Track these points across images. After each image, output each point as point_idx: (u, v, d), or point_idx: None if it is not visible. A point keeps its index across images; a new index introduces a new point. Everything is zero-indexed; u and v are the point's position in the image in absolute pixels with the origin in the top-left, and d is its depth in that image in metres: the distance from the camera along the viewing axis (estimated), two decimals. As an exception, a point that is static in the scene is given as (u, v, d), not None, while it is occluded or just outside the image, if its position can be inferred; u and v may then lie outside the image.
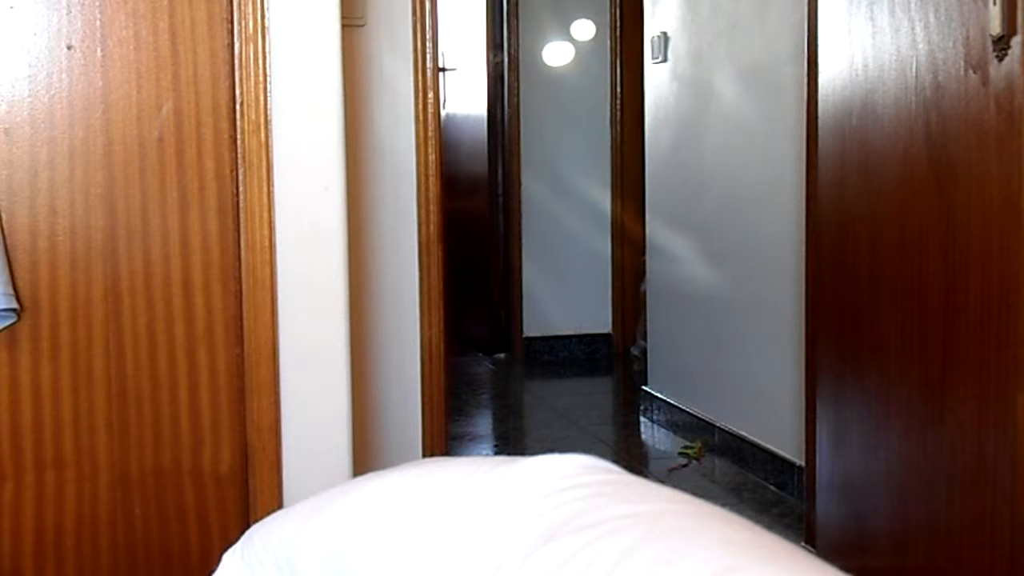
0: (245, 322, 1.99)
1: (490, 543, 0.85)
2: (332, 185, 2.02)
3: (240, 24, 1.95)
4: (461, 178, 6.01)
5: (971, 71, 2.20)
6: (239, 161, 1.97)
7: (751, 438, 3.74)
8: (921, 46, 2.36)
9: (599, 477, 0.92)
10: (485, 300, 6.00)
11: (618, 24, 5.75)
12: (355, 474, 1.99)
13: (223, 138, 1.98)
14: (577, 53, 5.82)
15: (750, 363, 3.78)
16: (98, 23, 1.92)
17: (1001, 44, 2.11)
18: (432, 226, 2.86)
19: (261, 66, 1.96)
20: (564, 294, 5.85)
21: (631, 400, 4.82)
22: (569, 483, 0.89)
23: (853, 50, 2.61)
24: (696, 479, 3.76)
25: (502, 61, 5.80)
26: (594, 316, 5.87)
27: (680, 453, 4.01)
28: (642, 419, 4.55)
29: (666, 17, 4.28)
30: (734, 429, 3.85)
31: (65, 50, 1.91)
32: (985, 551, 2.22)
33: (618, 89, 5.77)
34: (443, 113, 6.05)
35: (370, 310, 2.86)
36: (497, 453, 4.22)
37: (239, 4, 1.95)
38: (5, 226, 1.89)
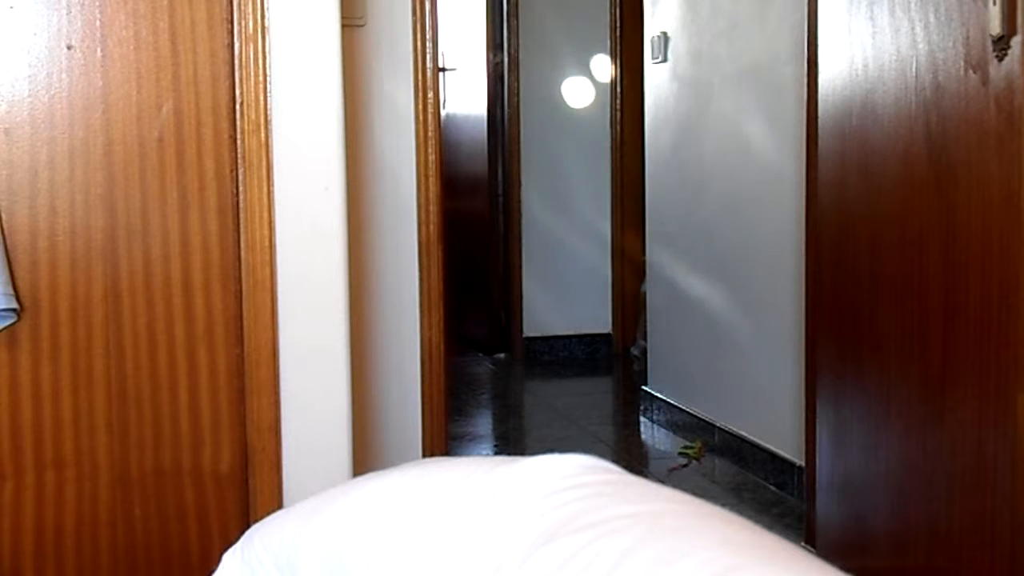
0: (245, 322, 1.99)
1: (490, 543, 0.85)
2: (332, 185, 2.02)
3: (240, 24, 1.95)
4: (461, 178, 6.01)
5: (971, 71, 2.20)
6: (239, 161, 1.97)
7: (751, 438, 3.74)
8: (921, 46, 2.36)
9: (599, 477, 0.92)
10: (485, 300, 6.01)
11: (618, 24, 5.75)
12: (355, 474, 1.99)
13: (223, 138, 1.98)
14: (577, 54, 5.81)
15: (750, 363, 3.78)
16: (98, 23, 1.92)
17: (1001, 44, 2.11)
18: (432, 226, 2.86)
19: (261, 66, 1.96)
20: (564, 294, 5.85)
21: (631, 400, 4.82)
22: (569, 483, 0.89)
23: (853, 50, 2.61)
24: (696, 479, 3.76)
25: (502, 61, 5.80)
26: (594, 316, 5.87)
27: (680, 453, 4.01)
28: (642, 419, 4.55)
29: (666, 17, 4.28)
30: (734, 429, 3.85)
31: (65, 50, 1.91)
32: (985, 551, 2.22)
33: (618, 89, 5.77)
34: (443, 113, 6.05)
35: (370, 310, 2.86)
36: (497, 453, 4.22)
37: (239, 4, 1.95)
38: (5, 226, 1.89)
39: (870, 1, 2.53)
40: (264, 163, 1.97)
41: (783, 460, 3.54)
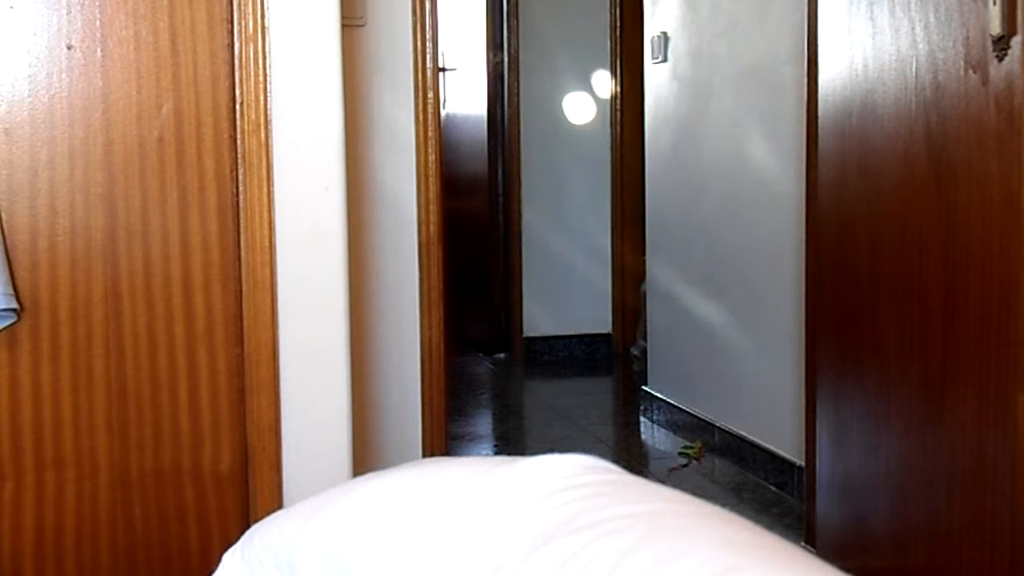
0: (245, 322, 1.99)
1: (490, 543, 0.85)
2: (332, 185, 2.02)
3: (240, 24, 1.95)
4: (461, 178, 6.01)
5: (971, 71, 2.20)
6: (239, 161, 1.97)
7: (751, 438, 3.74)
8: (921, 46, 2.36)
9: (599, 477, 0.92)
10: (485, 300, 6.00)
11: (618, 24, 5.75)
12: (355, 474, 1.99)
13: (223, 138, 1.98)
14: (577, 54, 5.81)
15: (750, 363, 3.78)
16: (98, 23, 1.92)
17: (1001, 44, 2.11)
18: (432, 226, 2.86)
19: (261, 66, 1.96)
20: (564, 294, 5.85)
21: (631, 400, 4.82)
22: (569, 483, 0.89)
23: (853, 50, 2.61)
24: (696, 479, 3.76)
25: (502, 61, 5.80)
26: (594, 316, 5.87)
27: (680, 453, 4.01)
28: (642, 419, 4.55)
29: (666, 17, 4.28)
30: (734, 429, 3.85)
31: (65, 50, 1.91)
32: (985, 551, 2.22)
33: (619, 90, 5.77)
34: (443, 113, 6.05)
35: (370, 310, 2.86)
36: (497, 453, 4.22)
37: (239, 4, 1.95)
38: (5, 226, 1.89)
39: (870, 1, 2.53)
40: (264, 163, 1.97)
41: (783, 460, 3.54)
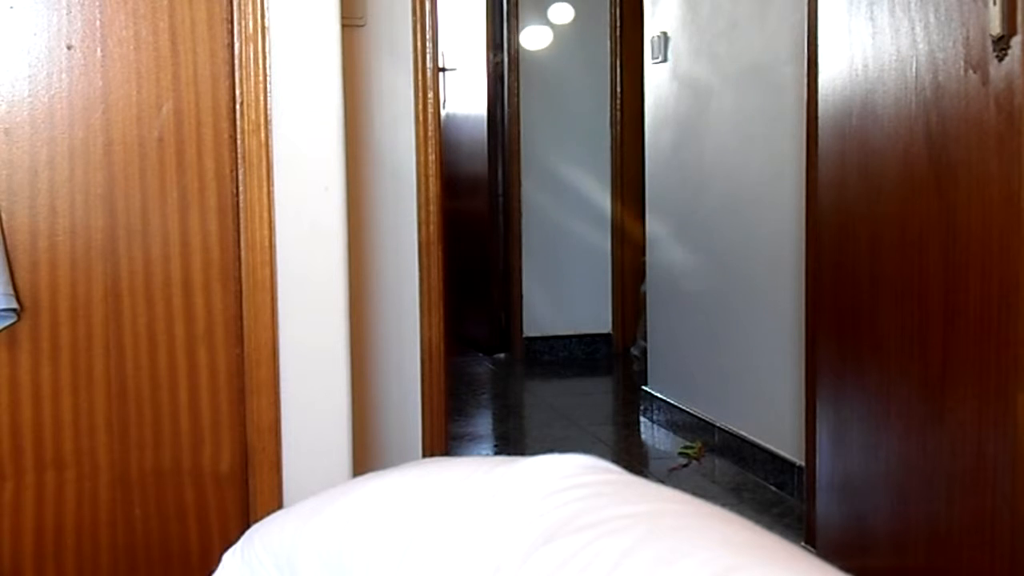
0: (245, 322, 1.99)
1: (490, 543, 0.85)
2: (332, 185, 2.02)
3: (240, 24, 1.95)
4: (461, 178, 6.01)
5: (971, 71, 2.20)
6: (239, 161, 1.97)
7: (751, 438, 3.74)
8: (921, 46, 2.36)
9: (599, 477, 0.92)
10: (485, 300, 6.00)
11: (618, 24, 5.75)
12: (355, 474, 1.99)
13: (223, 138, 1.98)
14: (577, 54, 5.81)
15: (750, 363, 3.78)
16: (98, 23, 1.92)
17: (1001, 44, 2.11)
18: (432, 226, 2.86)
19: (261, 66, 1.96)
20: (564, 294, 5.85)
21: (631, 400, 4.82)
22: (569, 483, 0.89)
23: (853, 50, 2.61)
24: (696, 479, 3.76)
25: (502, 61, 5.80)
26: (594, 316, 5.87)
27: (680, 453, 4.01)
28: (642, 419, 4.55)
29: (666, 17, 4.28)
30: (734, 429, 3.85)
31: (65, 50, 1.91)
32: (985, 551, 2.22)
33: (618, 89, 5.77)
34: (443, 113, 6.05)
35: (370, 310, 2.86)
36: (497, 453, 4.22)
37: (239, 4, 1.95)
38: (5, 226, 1.89)
39: (870, 1, 2.53)
40: (264, 163, 1.97)
41: (783, 460, 3.54)
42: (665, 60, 4.28)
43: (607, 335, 5.89)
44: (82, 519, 1.97)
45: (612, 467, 0.95)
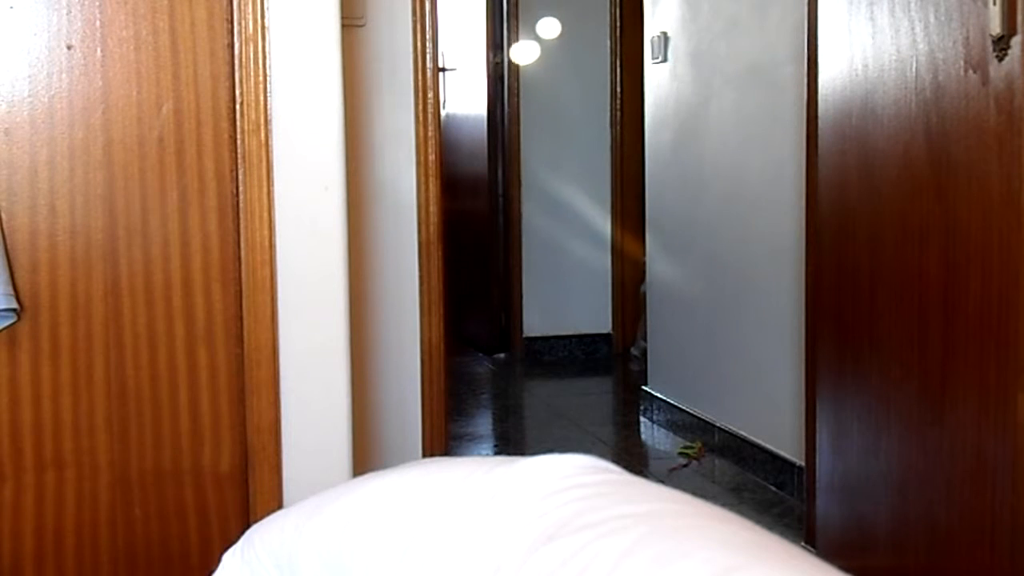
0: (245, 322, 1.99)
1: (490, 543, 0.85)
2: (332, 185, 2.02)
3: (240, 24, 1.95)
4: (461, 178, 6.01)
5: (971, 71, 2.20)
6: (239, 161, 1.97)
7: (751, 438, 3.74)
8: (921, 46, 2.36)
9: (599, 477, 0.92)
10: (485, 300, 6.00)
11: (618, 24, 5.75)
12: (355, 474, 1.99)
13: (223, 138, 1.98)
14: (577, 54, 5.82)
15: (750, 363, 3.78)
16: (98, 23, 1.92)
17: (1001, 44, 2.11)
18: (432, 226, 2.86)
19: (261, 66, 1.96)
20: (564, 294, 5.85)
21: (631, 400, 4.82)
22: (569, 483, 0.89)
23: (853, 50, 2.61)
24: (696, 479, 3.76)
25: (502, 61, 5.80)
26: (594, 316, 5.87)
27: (680, 453, 4.01)
28: (642, 419, 4.55)
29: (666, 17, 4.28)
30: (734, 429, 3.85)
31: (65, 50, 1.91)
32: (985, 551, 2.22)
33: (618, 89, 5.77)
34: (443, 113, 6.05)
35: (370, 310, 2.86)
36: (497, 453, 4.22)
37: (239, 4, 1.95)
38: (5, 226, 1.89)
39: (870, 1, 2.53)
40: (264, 163, 1.97)
41: (783, 460, 3.54)
42: (665, 60, 4.28)
43: (607, 335, 5.89)
44: (82, 519, 1.97)
45: (612, 467, 0.95)
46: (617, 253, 5.81)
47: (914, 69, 2.39)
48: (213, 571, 1.21)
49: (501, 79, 5.81)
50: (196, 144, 1.97)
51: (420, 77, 2.83)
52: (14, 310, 1.88)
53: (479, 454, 4.18)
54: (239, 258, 1.99)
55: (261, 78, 1.96)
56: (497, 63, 5.81)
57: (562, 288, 5.84)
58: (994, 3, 2.11)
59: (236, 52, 1.96)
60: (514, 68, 5.75)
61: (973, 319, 2.23)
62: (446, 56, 5.88)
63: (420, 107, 2.83)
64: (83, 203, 1.93)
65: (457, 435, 4.31)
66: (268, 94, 1.97)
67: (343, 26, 2.04)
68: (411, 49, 2.83)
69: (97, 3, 1.92)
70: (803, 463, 3.15)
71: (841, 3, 2.66)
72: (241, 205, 1.98)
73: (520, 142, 5.77)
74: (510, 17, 5.74)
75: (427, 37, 2.83)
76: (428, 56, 2.83)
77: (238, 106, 1.96)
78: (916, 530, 2.45)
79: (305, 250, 2.02)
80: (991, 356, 2.18)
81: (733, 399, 3.89)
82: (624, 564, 0.75)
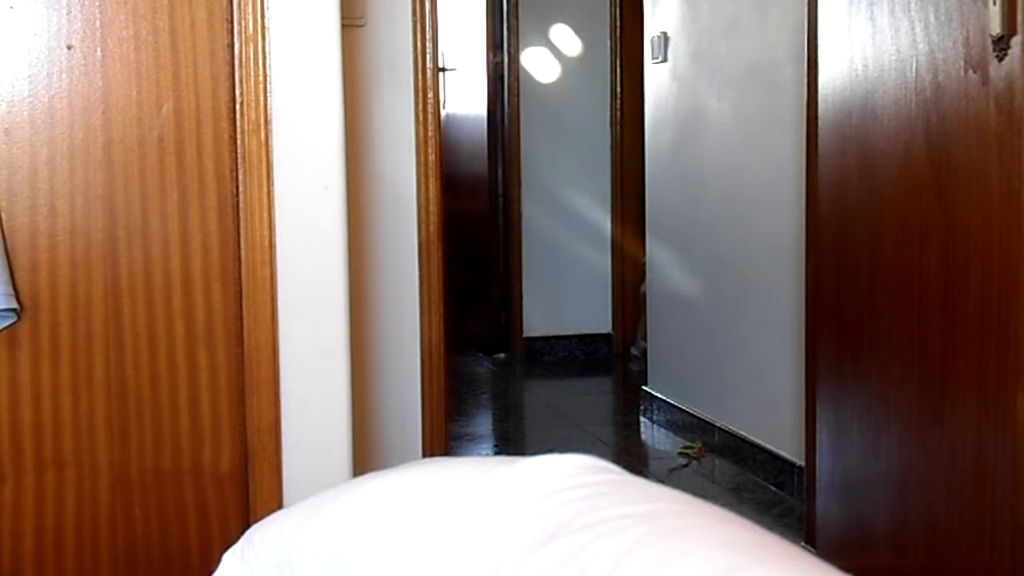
0: (245, 322, 1.99)
1: (490, 543, 0.85)
2: (332, 185, 2.02)
3: (240, 24, 1.95)
4: (461, 178, 6.01)
5: (971, 71, 2.20)
6: (239, 161, 1.97)
7: (751, 438, 3.74)
8: (921, 46, 2.36)
9: (599, 477, 0.92)
10: (485, 300, 6.01)
11: (618, 24, 5.75)
12: (355, 474, 1.99)
13: (223, 138, 1.98)
14: (577, 54, 5.82)
15: (750, 363, 3.78)
16: (98, 23, 1.92)
17: (1001, 44, 2.11)
18: (432, 226, 2.86)
19: (261, 66, 1.96)
20: (564, 294, 5.85)
21: (631, 400, 4.82)
22: (569, 483, 0.89)
23: (853, 50, 2.61)
24: (696, 479, 3.76)
25: (502, 61, 5.80)
26: (594, 316, 5.87)
27: (680, 453, 4.01)
28: (642, 419, 4.55)
29: (666, 17, 4.28)
30: (734, 429, 3.85)
31: (65, 50, 1.91)
32: (985, 551, 2.22)
33: (618, 89, 5.77)
34: (443, 113, 6.05)
35: (370, 310, 2.86)
36: (497, 453, 4.22)
37: (239, 4, 1.95)
38: (5, 226, 1.89)
39: (870, 1, 2.53)
40: (264, 163, 1.97)
41: (783, 460, 3.54)
42: (665, 60, 4.28)
43: (607, 335, 5.89)
44: (82, 519, 1.97)
45: (612, 467, 0.95)
46: (617, 253, 5.81)
47: (914, 69, 2.39)
48: (213, 571, 1.21)
49: (501, 79, 5.81)
50: (196, 144, 1.97)
51: (420, 77, 2.83)
52: (14, 310, 1.88)
53: (479, 454, 4.18)
54: (239, 258, 1.99)
55: (261, 78, 1.96)
56: (497, 63, 5.81)
57: (562, 288, 5.84)
58: (994, 3, 2.11)
59: (236, 52, 1.96)
60: (514, 68, 5.75)
61: (973, 319, 2.23)
62: (446, 56, 5.88)
63: (420, 107, 2.83)
64: (83, 203, 1.93)
65: (457, 435, 4.31)
66: (268, 94, 1.97)
67: (343, 26, 2.04)
68: (411, 49, 2.83)
69: (97, 3, 1.92)
70: (803, 463, 3.15)
71: (841, 3, 2.66)
72: (241, 205, 1.98)
73: (520, 142, 5.77)
74: (510, 17, 5.74)
75: (427, 37, 2.83)
76: (428, 56, 2.83)
77: (238, 106, 1.96)
78: (916, 530, 2.45)
79: (305, 250, 2.02)
80: (991, 356, 2.18)
81: (733, 399, 3.89)
82: (624, 564, 0.75)
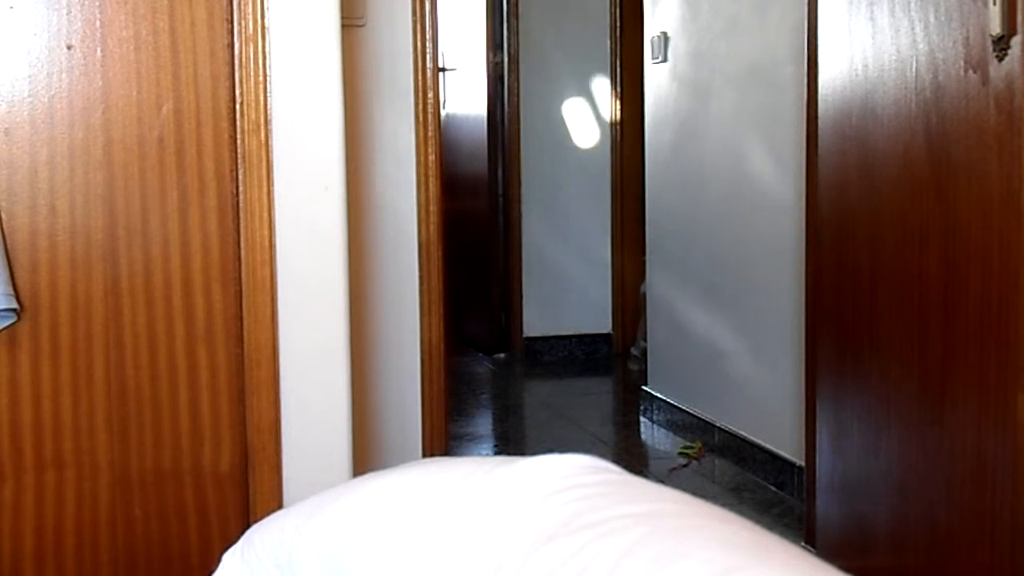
0: (245, 322, 1.99)
1: (490, 543, 0.85)
2: (332, 185, 2.02)
3: (240, 24, 1.95)
4: (461, 178, 6.01)
5: (971, 71, 2.20)
6: (239, 161, 1.97)
7: (751, 438, 3.74)
8: (921, 46, 2.36)
9: (599, 477, 0.92)
10: (485, 300, 6.00)
11: (618, 24, 5.75)
12: (355, 474, 1.99)
13: (223, 138, 1.98)
14: (577, 54, 5.82)
15: (750, 363, 3.78)
16: (98, 23, 1.92)
17: (1001, 44, 2.11)
18: (432, 226, 2.86)
19: (261, 66, 1.96)
20: (564, 294, 5.85)
21: (631, 400, 4.82)
22: (569, 483, 0.89)
23: (853, 50, 2.61)
24: (696, 479, 3.76)
25: (502, 61, 5.80)
26: (594, 316, 5.87)
27: (680, 453, 4.01)
28: (642, 419, 4.55)
29: (666, 17, 4.28)
30: (734, 429, 3.85)
31: (65, 50, 1.91)
32: (985, 551, 2.22)
33: (618, 89, 5.77)
34: (443, 113, 6.05)
35: (370, 310, 2.86)
36: (497, 453, 4.22)
37: (239, 4, 1.95)
38: (5, 226, 1.89)
39: (870, 1, 2.53)
40: (264, 163, 1.97)
41: (783, 460, 3.54)
42: (665, 60, 4.28)
43: (607, 335, 5.89)
44: (82, 519, 1.97)
45: (612, 467, 0.95)
46: (617, 253, 5.81)
47: (914, 69, 2.39)
48: (213, 571, 1.21)
49: (501, 79, 5.81)
50: (196, 144, 1.97)
51: (420, 77, 2.83)
52: (14, 310, 1.88)
53: (479, 454, 4.18)
54: (239, 258, 1.99)
55: (261, 78, 1.96)
56: (497, 63, 5.81)
57: (562, 288, 5.84)
58: (994, 3, 2.11)
59: (236, 52, 1.96)
60: (514, 68, 5.75)
61: (973, 319, 2.23)
62: (446, 56, 5.88)
63: (420, 107, 2.83)
64: (83, 203, 1.93)
65: (457, 435, 4.31)
66: (268, 94, 1.97)
67: (343, 26, 2.04)
68: (411, 49, 2.83)
69: (97, 3, 1.92)
70: (803, 463, 3.15)
71: (841, 3, 2.66)
72: (241, 205, 1.98)
73: (520, 142, 5.77)
74: (510, 17, 5.74)
75: (427, 37, 2.83)
76: (428, 56, 2.83)
77: (238, 106, 1.96)
78: (916, 530, 2.45)
79: (305, 250, 2.02)
80: (991, 356, 2.18)
81: (733, 399, 3.89)
82: (624, 564, 0.75)
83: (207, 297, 1.99)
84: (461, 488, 0.93)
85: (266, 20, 1.96)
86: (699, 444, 4.00)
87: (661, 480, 3.49)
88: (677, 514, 0.83)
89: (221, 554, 1.21)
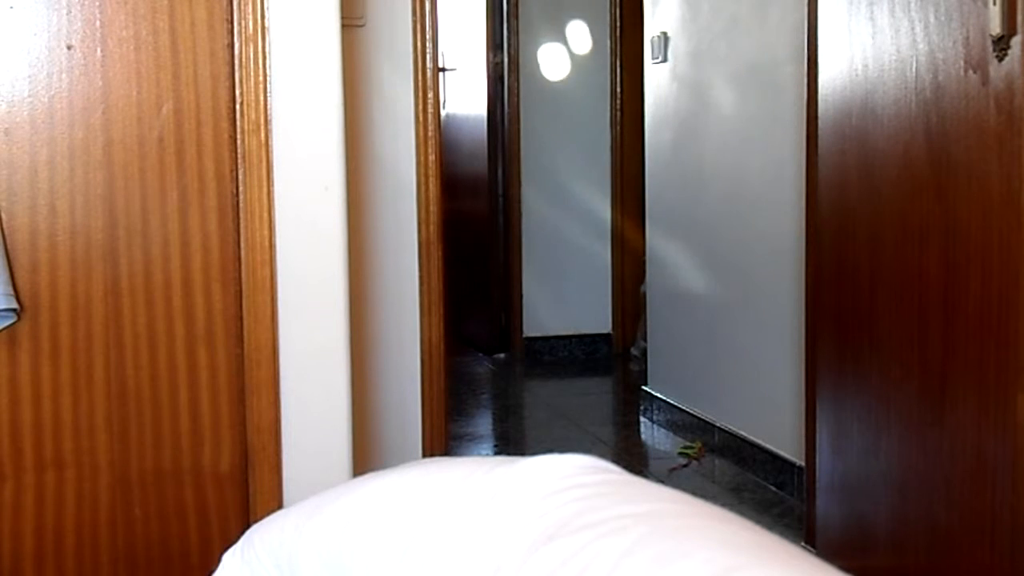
0: (245, 322, 1.99)
1: (490, 543, 0.85)
2: (332, 185, 2.02)
3: (240, 24, 1.95)
4: (461, 179, 6.01)
5: (971, 71, 2.20)
6: (239, 161, 1.97)
7: (751, 438, 3.74)
8: (921, 46, 2.36)
9: (599, 477, 0.92)
10: (485, 300, 6.00)
11: (618, 24, 5.75)
12: (355, 474, 1.99)
13: (223, 138, 1.98)
14: (577, 53, 5.82)
15: (750, 363, 3.78)
16: (98, 23, 1.92)
17: (1001, 44, 2.11)
18: (432, 226, 2.86)
19: (261, 66, 1.96)
20: (564, 294, 5.85)
21: (631, 400, 4.82)
22: (569, 483, 0.89)
23: (853, 50, 2.61)
24: (696, 479, 3.76)
25: (502, 61, 5.80)
26: (594, 316, 5.87)
27: (680, 453, 4.01)
28: (642, 419, 4.55)
29: (666, 17, 4.28)
30: (734, 429, 3.85)
31: (65, 50, 1.91)
32: (985, 551, 2.22)
33: (618, 89, 5.77)
34: (443, 113, 6.05)
35: (370, 310, 2.86)
36: (497, 453, 4.22)
37: (239, 4, 1.95)
38: (5, 226, 1.89)
39: (870, 1, 2.53)
40: (264, 163, 1.97)
41: (783, 460, 3.54)
42: (665, 60, 4.28)
43: (607, 335, 5.89)
44: (82, 519, 1.97)
45: (612, 467, 0.95)
46: (617, 253, 5.81)
47: (914, 69, 2.39)
48: (213, 571, 1.21)
49: (501, 79, 5.81)
50: (196, 144, 1.97)
51: (420, 77, 2.83)
52: (14, 310, 1.88)
53: (479, 454, 4.18)
54: (239, 258, 1.99)
55: (261, 78, 1.96)
56: (497, 63, 5.81)
57: (562, 288, 5.84)
58: (994, 3, 2.11)
59: (236, 52, 1.96)
60: (514, 68, 5.75)
61: (973, 319, 2.23)
62: (446, 56, 5.88)
63: (420, 107, 2.83)
64: (83, 203, 1.93)
65: (457, 435, 4.31)
66: (268, 94, 1.97)
67: (343, 26, 2.04)
68: (411, 49, 2.83)
69: (97, 3, 1.92)
70: (803, 463, 3.15)
71: (841, 3, 2.66)
72: (241, 205, 1.98)
73: (520, 142, 5.77)
74: (510, 17, 5.74)
75: (427, 37, 2.83)
76: (428, 56, 2.83)
77: (238, 106, 1.96)
78: (916, 530, 2.45)
79: (305, 250, 2.02)
80: (991, 356, 2.18)
81: (733, 399, 3.89)
82: (624, 564, 0.75)
83: (207, 297, 1.99)
84: (461, 488, 0.93)
85: (266, 20, 1.96)
86: (699, 444, 4.00)
87: (661, 480, 3.49)
88: (677, 514, 0.83)
89: (221, 554, 1.21)
